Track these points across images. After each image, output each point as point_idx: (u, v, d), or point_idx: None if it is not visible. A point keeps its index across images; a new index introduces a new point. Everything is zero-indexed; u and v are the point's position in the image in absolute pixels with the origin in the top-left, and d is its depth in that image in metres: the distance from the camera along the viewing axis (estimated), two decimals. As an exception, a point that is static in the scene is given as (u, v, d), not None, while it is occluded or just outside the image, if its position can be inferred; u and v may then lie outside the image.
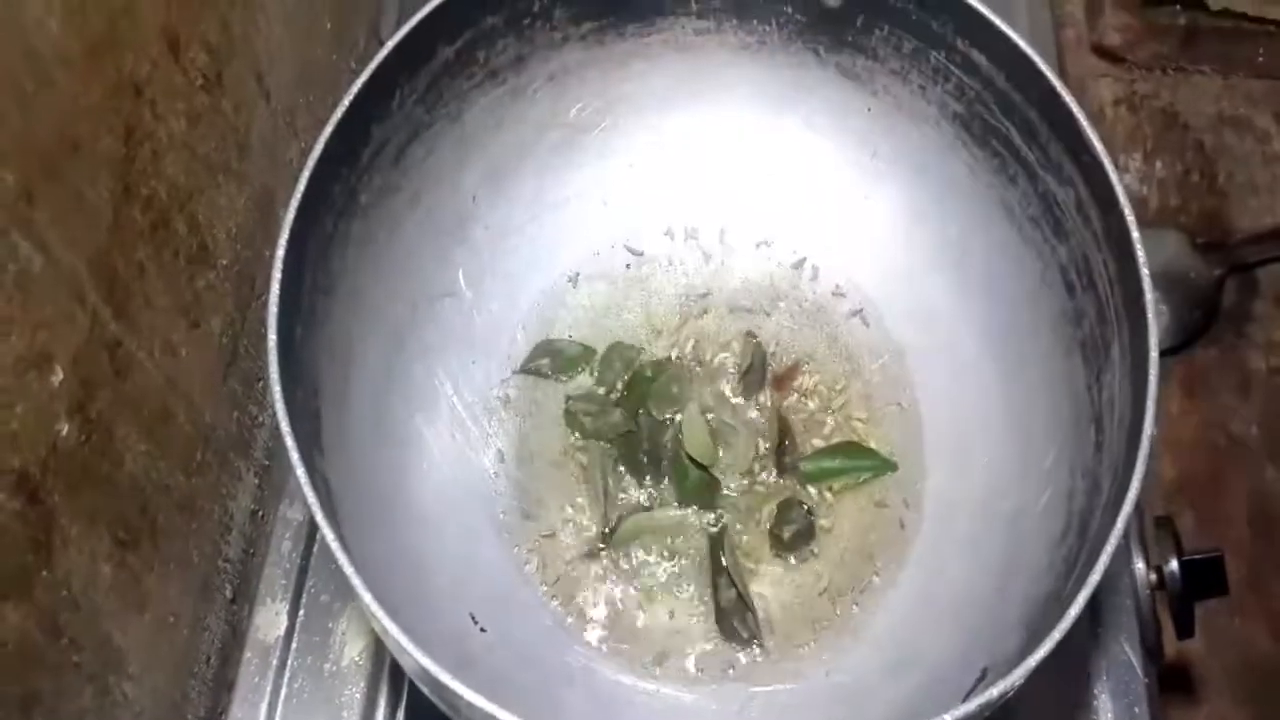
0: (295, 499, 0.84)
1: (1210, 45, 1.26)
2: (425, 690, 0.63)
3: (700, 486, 0.76)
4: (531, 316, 0.83)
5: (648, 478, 0.78)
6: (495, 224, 0.83)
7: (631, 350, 0.82)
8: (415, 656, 0.54)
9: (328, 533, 0.58)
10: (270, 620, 0.80)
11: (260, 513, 0.84)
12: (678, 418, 0.79)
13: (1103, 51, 1.28)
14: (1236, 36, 1.24)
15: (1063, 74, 1.13)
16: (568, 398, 0.80)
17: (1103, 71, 1.26)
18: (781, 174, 0.87)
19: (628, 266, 0.86)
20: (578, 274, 0.85)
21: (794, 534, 0.75)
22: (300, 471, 0.60)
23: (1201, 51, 1.26)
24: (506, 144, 0.83)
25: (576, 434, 0.79)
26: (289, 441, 0.60)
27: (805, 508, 0.76)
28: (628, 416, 0.79)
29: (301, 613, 0.80)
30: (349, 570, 0.57)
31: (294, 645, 0.79)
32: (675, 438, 0.78)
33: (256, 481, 0.85)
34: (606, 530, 0.75)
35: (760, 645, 0.72)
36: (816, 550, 0.75)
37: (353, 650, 0.78)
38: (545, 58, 0.82)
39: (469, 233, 0.82)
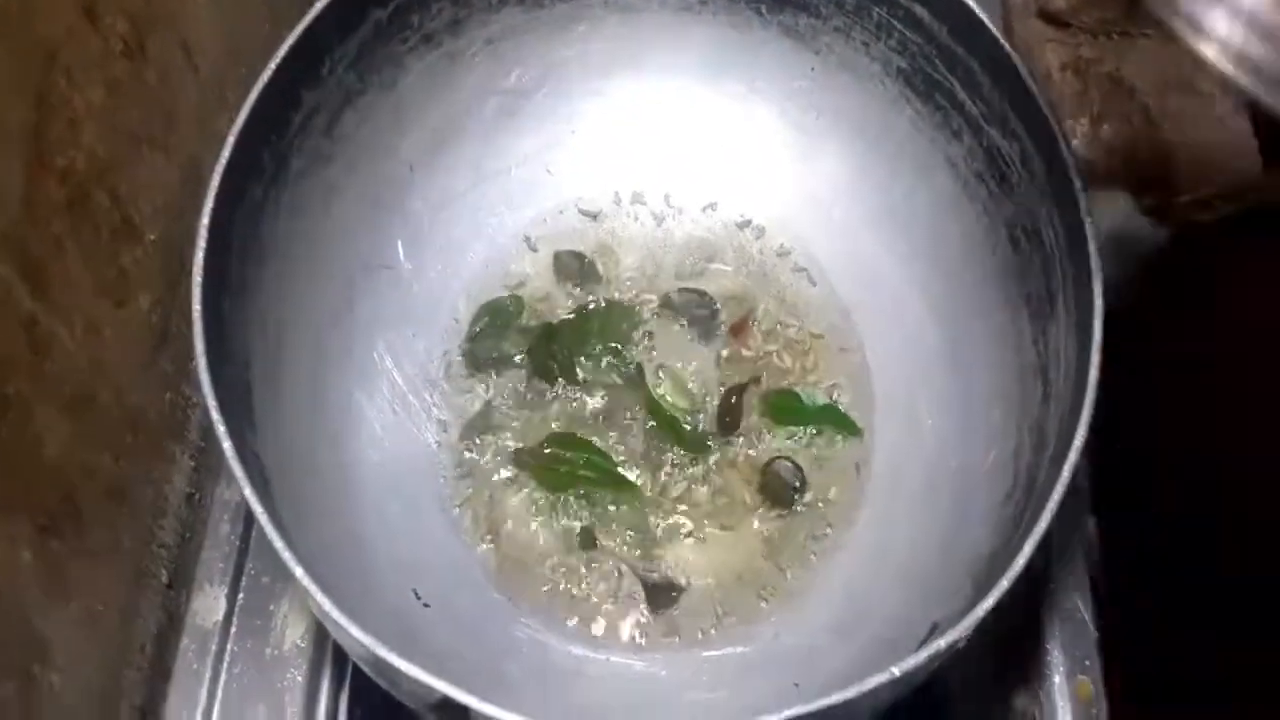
0: (233, 480, 0.81)
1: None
2: (366, 669, 0.61)
3: (694, 440, 0.76)
4: (473, 288, 0.81)
5: (560, 381, 0.78)
6: (434, 193, 0.81)
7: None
8: (348, 630, 0.53)
9: (256, 508, 0.56)
10: (209, 605, 0.77)
11: (196, 495, 0.82)
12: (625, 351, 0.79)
13: (1049, 17, 1.26)
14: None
15: (1009, 39, 1.12)
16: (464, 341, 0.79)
17: (1049, 37, 1.25)
18: (726, 137, 0.85)
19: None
20: (530, 237, 0.83)
21: (781, 485, 0.74)
22: (227, 446, 0.57)
23: (1146, 15, 1.26)
24: (444, 111, 0.80)
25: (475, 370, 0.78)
26: (215, 416, 0.58)
27: (791, 462, 0.75)
28: (529, 335, 0.79)
29: (241, 596, 0.78)
30: (279, 544, 0.55)
31: (233, 630, 0.76)
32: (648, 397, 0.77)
33: (192, 464, 0.82)
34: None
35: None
36: (793, 507, 0.74)
37: (294, 633, 0.76)
38: (483, 21, 0.79)
39: (407, 202, 0.80)
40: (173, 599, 0.78)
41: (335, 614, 0.53)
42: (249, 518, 0.80)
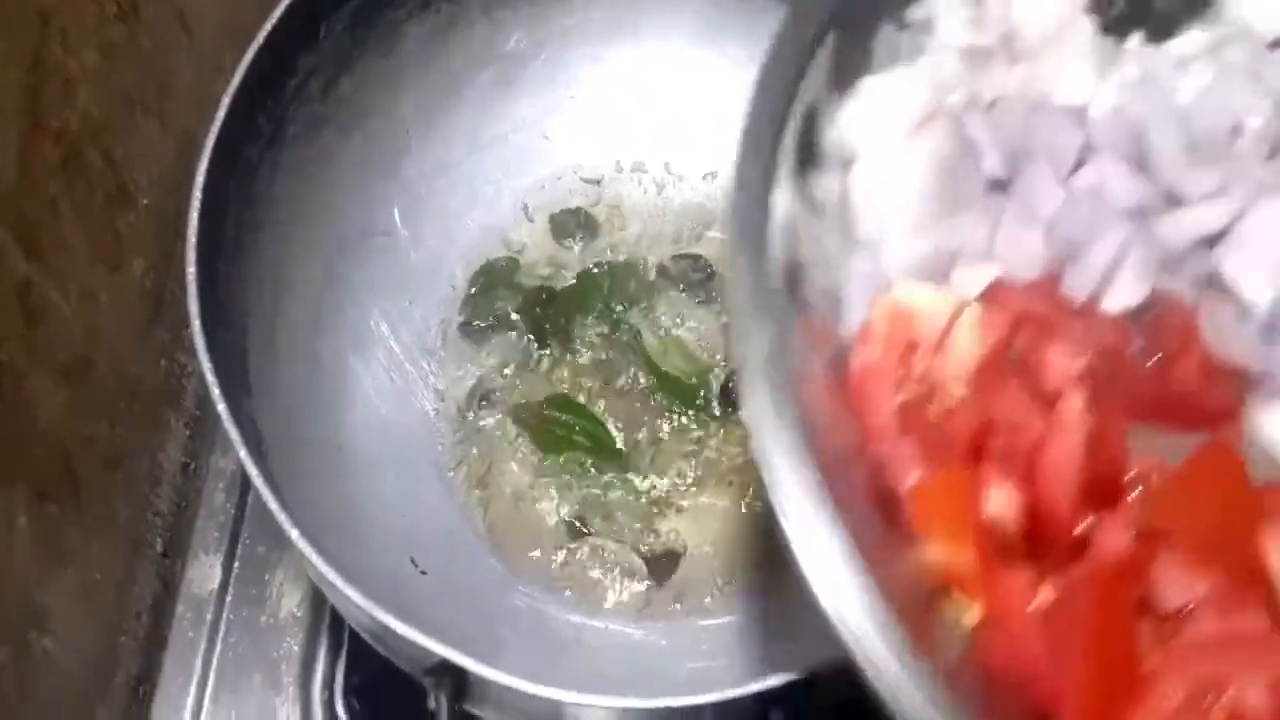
0: (228, 449, 0.81)
1: None
2: (364, 634, 0.61)
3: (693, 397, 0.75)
4: (471, 255, 0.80)
5: (554, 345, 0.78)
6: (431, 160, 0.80)
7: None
8: (346, 593, 0.52)
9: (251, 470, 0.55)
10: (204, 574, 0.77)
11: (192, 465, 0.81)
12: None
13: None
14: None
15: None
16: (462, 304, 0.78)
17: None
18: (728, 103, 0.83)
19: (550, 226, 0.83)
20: (527, 205, 0.83)
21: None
22: (222, 409, 0.57)
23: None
24: (440, 77, 0.80)
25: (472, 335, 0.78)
26: (210, 379, 0.58)
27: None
28: (525, 295, 0.78)
29: (236, 565, 0.77)
30: (274, 506, 0.54)
31: (229, 599, 0.76)
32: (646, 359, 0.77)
33: (187, 432, 0.81)
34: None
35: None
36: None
37: (290, 602, 0.76)
38: (480, -15, 0.79)
39: (403, 169, 0.79)
40: (168, 568, 0.78)
41: (333, 577, 0.53)
42: (244, 487, 0.80)
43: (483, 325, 0.78)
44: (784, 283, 0.44)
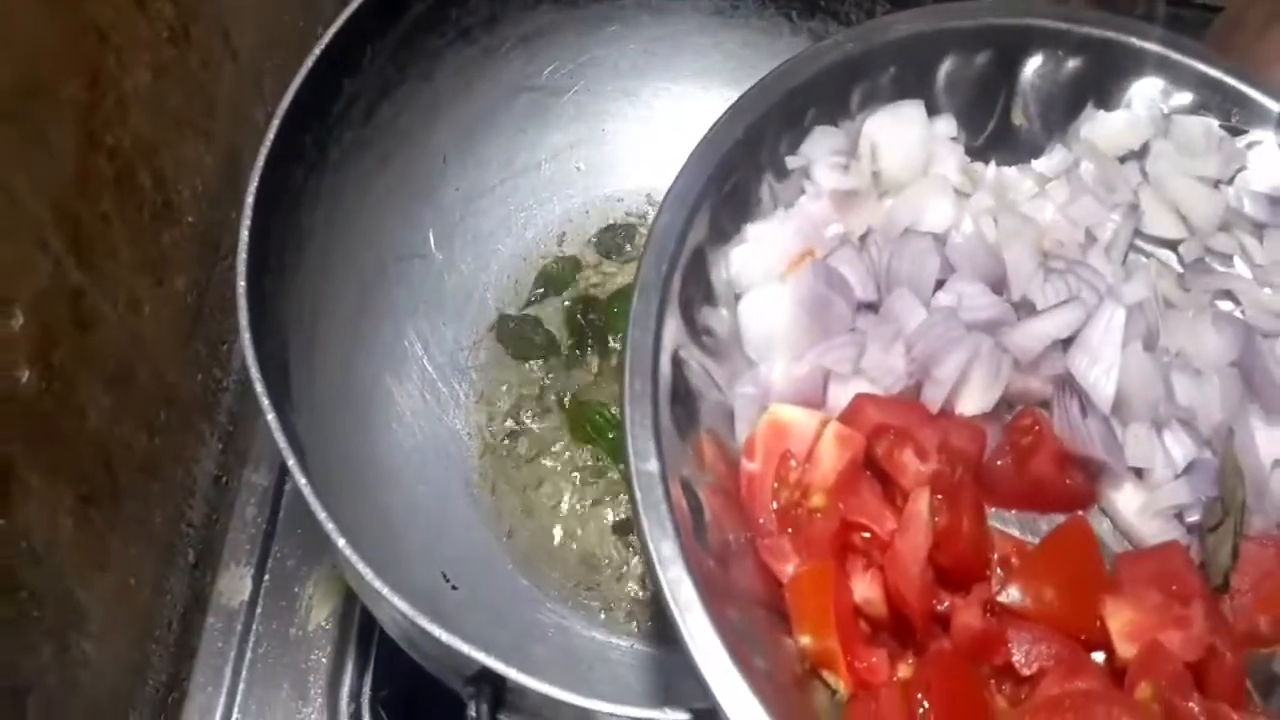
0: (260, 463, 0.82)
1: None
2: (401, 643, 0.62)
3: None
4: (502, 279, 0.82)
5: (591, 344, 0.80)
6: (466, 185, 0.82)
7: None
8: (390, 600, 0.54)
9: (299, 477, 0.57)
10: (234, 585, 0.78)
11: (224, 478, 0.82)
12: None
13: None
14: (1181, 22, 1.26)
15: None
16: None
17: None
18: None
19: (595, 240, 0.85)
20: (561, 234, 0.85)
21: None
22: (271, 417, 0.58)
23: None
24: (478, 104, 0.82)
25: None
26: (259, 388, 0.59)
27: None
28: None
29: (267, 578, 0.78)
30: (321, 515, 0.56)
31: (259, 610, 0.77)
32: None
33: (220, 446, 0.83)
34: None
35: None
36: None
37: (319, 615, 0.77)
38: (518, 18, 0.81)
39: (439, 193, 0.81)
40: (199, 578, 0.79)
41: (379, 585, 0.54)
42: (276, 501, 0.81)
43: (528, 325, 0.81)
44: (679, 404, 0.50)
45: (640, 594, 0.72)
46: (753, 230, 0.59)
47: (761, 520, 0.50)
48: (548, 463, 0.76)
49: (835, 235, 0.59)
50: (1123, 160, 0.62)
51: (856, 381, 0.55)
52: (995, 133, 0.64)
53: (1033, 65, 0.63)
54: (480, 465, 0.76)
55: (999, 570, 0.50)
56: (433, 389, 0.77)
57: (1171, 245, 0.61)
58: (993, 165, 0.63)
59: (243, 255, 0.63)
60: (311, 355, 0.70)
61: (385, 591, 0.53)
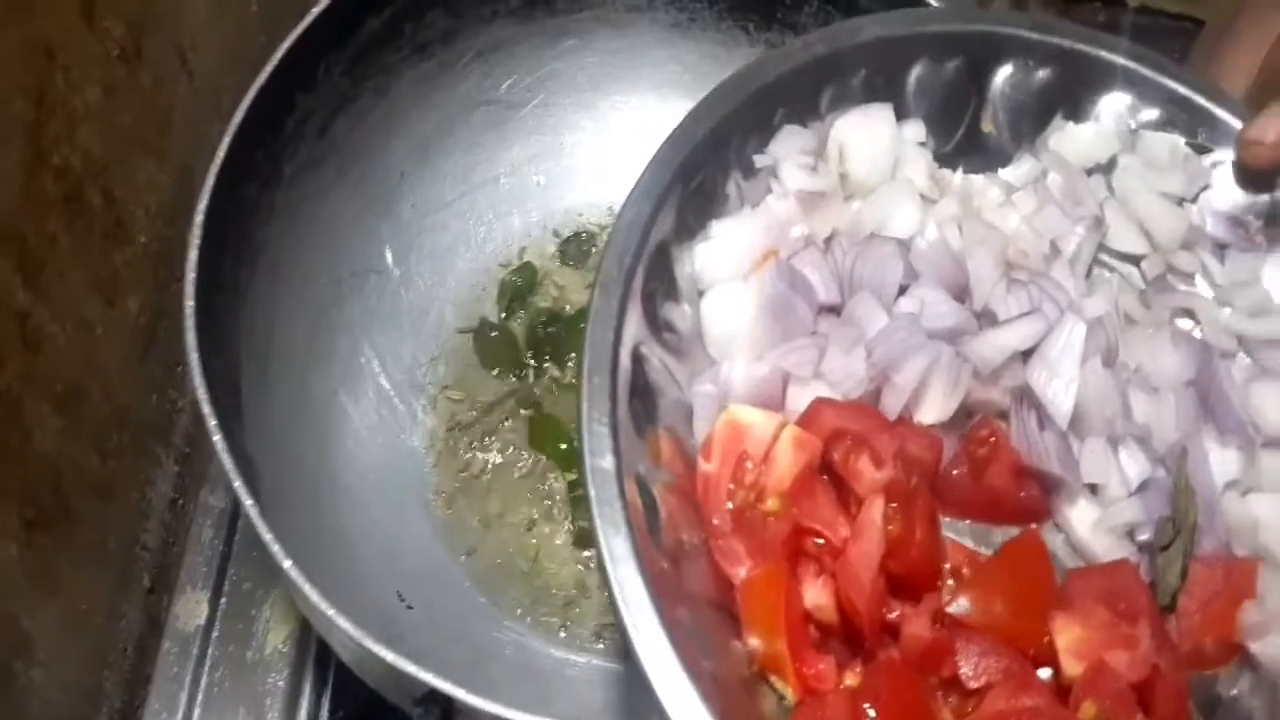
0: (217, 485, 0.81)
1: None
2: (351, 664, 0.61)
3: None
4: (461, 294, 0.82)
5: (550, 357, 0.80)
6: (423, 200, 0.82)
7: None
8: (336, 622, 0.53)
9: (245, 499, 0.56)
10: (190, 609, 0.77)
11: (180, 501, 0.81)
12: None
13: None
14: (1153, 32, 1.27)
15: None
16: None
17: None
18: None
19: (559, 251, 0.85)
20: (521, 249, 0.84)
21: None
22: (217, 438, 0.58)
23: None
24: (435, 119, 0.82)
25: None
26: (205, 408, 0.58)
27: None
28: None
29: (223, 601, 0.77)
30: (267, 537, 0.55)
31: (215, 634, 0.76)
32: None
33: (176, 468, 0.82)
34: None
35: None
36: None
37: (277, 638, 0.76)
38: (475, 32, 0.81)
39: (396, 208, 0.81)
40: (154, 603, 0.78)
41: (324, 606, 0.53)
42: (233, 523, 0.80)
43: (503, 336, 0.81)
44: (638, 399, 0.50)
45: (600, 609, 0.71)
46: (718, 227, 0.58)
47: (716, 521, 0.49)
48: (507, 479, 0.76)
49: (800, 236, 0.58)
50: (1089, 173, 0.62)
51: (816, 385, 0.55)
52: (964, 140, 0.64)
53: (1003, 74, 0.63)
54: (438, 483, 0.75)
55: (950, 581, 0.50)
56: (389, 406, 0.77)
57: (1134, 261, 0.61)
58: (960, 172, 0.63)
59: (191, 275, 0.62)
60: (265, 374, 0.69)
61: (330, 612, 0.53)
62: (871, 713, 0.43)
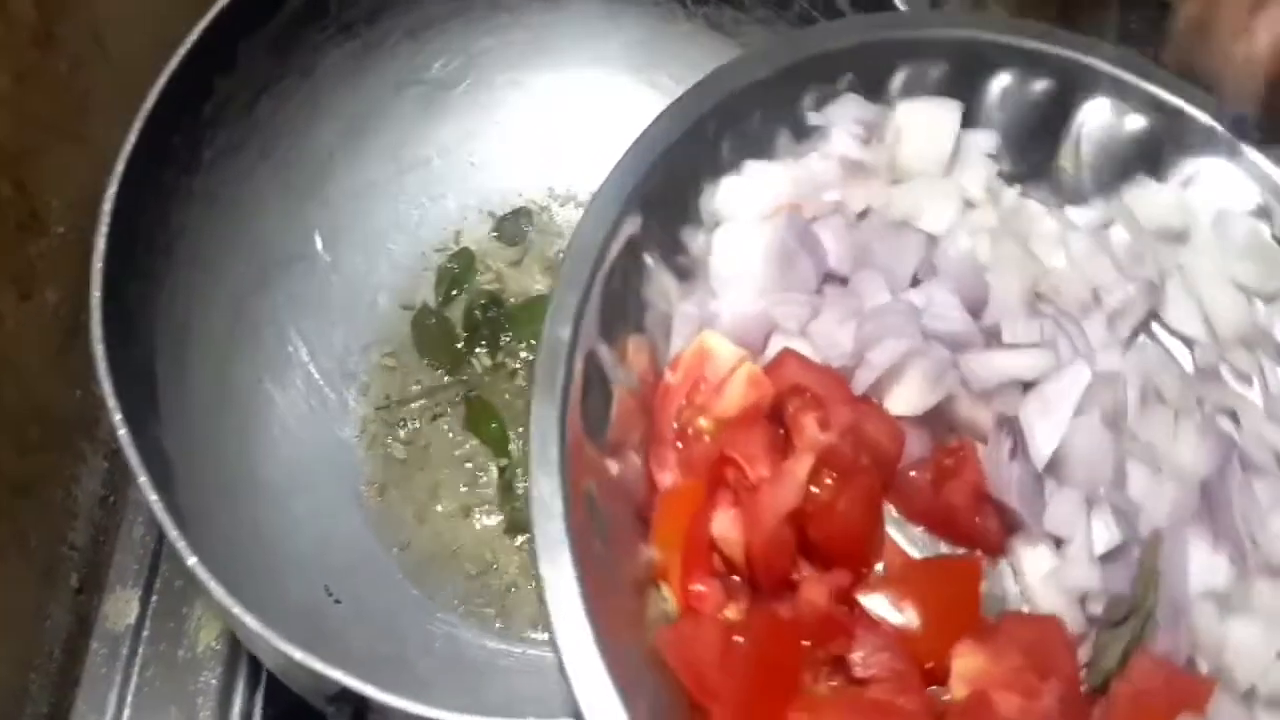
0: (148, 480, 0.79)
1: (1085, 13, 1.27)
2: (268, 665, 0.59)
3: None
4: (394, 279, 0.80)
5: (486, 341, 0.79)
6: (353, 183, 0.79)
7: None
8: (244, 620, 0.51)
9: (150, 495, 0.54)
10: (120, 609, 0.75)
11: (110, 498, 0.79)
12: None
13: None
14: (1109, 4, 1.26)
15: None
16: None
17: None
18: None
19: (495, 231, 0.83)
20: (457, 231, 0.82)
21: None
22: (123, 433, 0.56)
23: (1076, 18, 1.27)
24: (364, 99, 0.79)
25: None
26: (111, 402, 0.56)
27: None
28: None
29: (154, 599, 0.75)
30: (173, 534, 0.53)
31: (145, 633, 0.74)
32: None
33: (105, 464, 0.79)
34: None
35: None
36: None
37: (209, 635, 0.74)
38: (403, 10, 0.78)
39: (325, 191, 0.78)
40: (84, 603, 0.76)
41: (229, 603, 0.52)
42: (164, 518, 0.78)
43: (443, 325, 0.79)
44: (621, 299, 0.51)
45: (533, 597, 0.70)
46: (752, 166, 0.57)
47: (662, 428, 0.50)
48: (442, 469, 0.74)
49: (832, 201, 0.57)
50: (1160, 239, 0.58)
51: (799, 343, 0.54)
52: (1037, 167, 0.61)
53: (1094, 110, 0.59)
54: (370, 473, 0.73)
55: (874, 570, 0.49)
56: (319, 395, 0.75)
57: (1187, 342, 0.57)
58: (1015, 190, 0.60)
59: (98, 265, 0.60)
60: (184, 364, 0.67)
61: (235, 609, 0.51)
62: (739, 642, 0.44)
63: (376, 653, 0.63)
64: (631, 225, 0.51)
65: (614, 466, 0.48)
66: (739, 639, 0.44)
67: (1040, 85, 0.59)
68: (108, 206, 0.62)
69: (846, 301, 0.54)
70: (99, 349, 0.58)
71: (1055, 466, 0.51)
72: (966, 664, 0.45)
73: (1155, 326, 0.57)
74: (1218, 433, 0.53)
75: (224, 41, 0.70)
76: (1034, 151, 0.60)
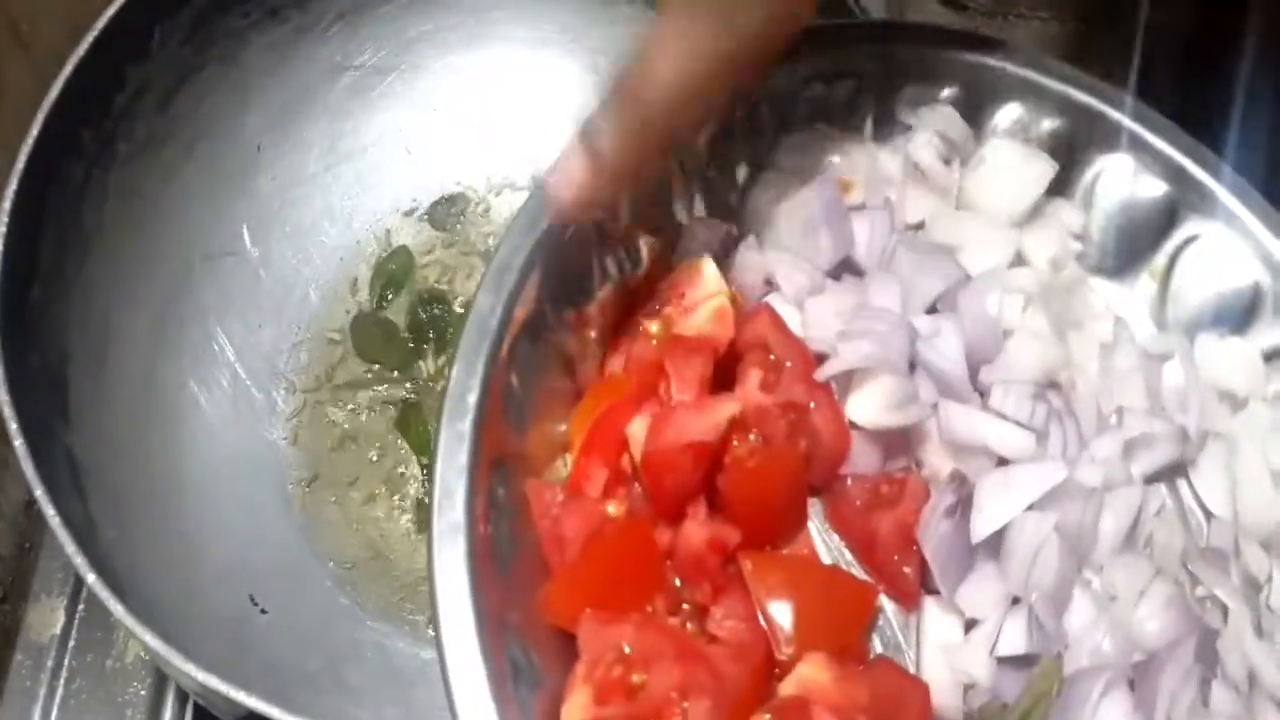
0: (75, 485, 0.77)
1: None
2: (176, 681, 0.57)
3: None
4: (326, 274, 0.77)
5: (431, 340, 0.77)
6: (284, 174, 0.77)
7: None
8: (144, 638, 0.49)
9: (47, 509, 0.52)
10: (45, 618, 0.73)
11: (35, 504, 0.76)
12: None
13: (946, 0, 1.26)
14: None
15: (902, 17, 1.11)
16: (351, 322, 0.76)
17: (944, 17, 1.24)
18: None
19: (426, 218, 0.80)
20: (391, 223, 0.80)
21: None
22: (19, 443, 0.53)
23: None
24: (293, 87, 0.76)
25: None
26: (7, 411, 0.54)
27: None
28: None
29: (81, 608, 0.73)
30: (71, 549, 0.51)
31: (71, 644, 0.72)
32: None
33: (31, 469, 0.77)
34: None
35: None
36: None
37: (138, 645, 0.71)
38: (334, -8, 0.76)
39: (254, 183, 0.76)
40: (7, 612, 0.73)
41: (130, 622, 0.49)
42: (92, 524, 0.76)
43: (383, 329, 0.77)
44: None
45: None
46: (822, 129, 0.57)
47: (628, 324, 0.52)
48: (373, 474, 0.72)
49: (885, 198, 0.56)
50: (1215, 395, 0.54)
51: (790, 311, 0.52)
52: (1122, 268, 0.58)
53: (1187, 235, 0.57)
54: (298, 476, 0.71)
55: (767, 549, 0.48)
56: (246, 397, 0.72)
57: (1206, 512, 0.53)
58: (1080, 273, 0.57)
59: (-6, 268, 0.58)
60: (102, 367, 0.65)
61: (136, 627, 0.48)
62: (605, 532, 0.45)
63: (304, 663, 0.61)
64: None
65: (579, 335, 0.49)
66: (610, 528, 0.45)
67: (1152, 191, 0.57)
68: (6, 205, 0.59)
69: (855, 295, 0.53)
70: (-7, 353, 0.55)
71: (995, 549, 0.48)
72: (809, 671, 0.44)
73: (1182, 482, 0.53)
74: (1189, 613, 0.48)
75: (135, 29, 0.67)
76: (1128, 251, 0.58)
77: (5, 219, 0.58)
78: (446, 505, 0.42)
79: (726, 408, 0.46)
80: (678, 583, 0.46)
